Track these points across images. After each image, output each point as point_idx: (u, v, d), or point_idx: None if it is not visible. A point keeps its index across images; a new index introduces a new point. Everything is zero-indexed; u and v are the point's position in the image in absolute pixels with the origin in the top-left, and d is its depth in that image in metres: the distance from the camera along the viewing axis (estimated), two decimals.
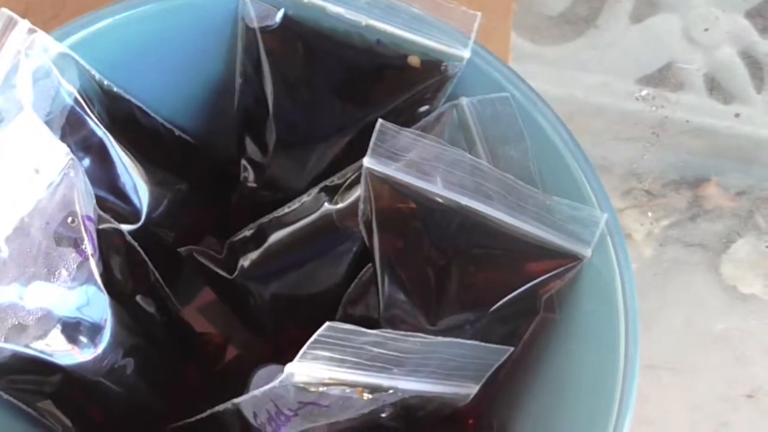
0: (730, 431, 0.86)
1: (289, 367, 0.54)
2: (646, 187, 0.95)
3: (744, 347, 0.90)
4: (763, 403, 0.87)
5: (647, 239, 0.93)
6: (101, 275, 0.59)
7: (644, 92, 0.99)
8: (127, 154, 0.65)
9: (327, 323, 0.53)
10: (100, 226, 0.60)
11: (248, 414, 0.60)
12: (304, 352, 0.53)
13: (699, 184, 0.96)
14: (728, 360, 0.89)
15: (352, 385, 0.57)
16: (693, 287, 0.92)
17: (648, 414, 0.83)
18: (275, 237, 0.67)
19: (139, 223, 0.67)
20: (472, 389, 0.63)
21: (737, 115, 0.99)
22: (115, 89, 0.66)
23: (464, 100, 0.64)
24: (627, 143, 0.97)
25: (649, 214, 0.94)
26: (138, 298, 0.65)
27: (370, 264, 0.65)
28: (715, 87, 1.00)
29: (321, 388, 0.56)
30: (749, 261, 0.93)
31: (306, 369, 0.54)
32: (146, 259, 0.65)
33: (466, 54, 0.63)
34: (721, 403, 0.87)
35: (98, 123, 0.63)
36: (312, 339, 0.53)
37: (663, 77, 1.00)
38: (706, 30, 1.01)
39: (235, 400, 0.60)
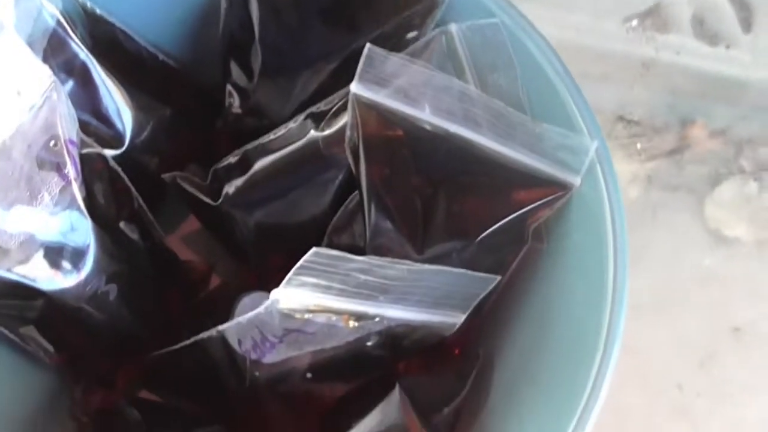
0: (716, 363, 0.87)
1: (275, 293, 0.53)
2: (631, 128, 0.95)
3: (726, 289, 0.90)
4: (749, 336, 0.88)
5: (633, 181, 0.93)
6: (84, 200, 0.58)
7: (631, 32, 0.98)
8: (110, 77, 0.64)
9: (313, 249, 0.52)
10: (83, 151, 0.59)
11: (233, 341, 0.60)
12: (290, 278, 0.53)
13: (685, 125, 0.95)
14: (712, 300, 0.89)
15: (338, 312, 0.57)
16: (677, 229, 0.91)
17: (634, 345, 0.83)
18: (260, 164, 0.66)
19: (123, 149, 0.66)
20: (459, 318, 0.63)
21: (723, 57, 0.98)
22: (98, 11, 0.65)
23: (453, 27, 0.63)
24: (614, 84, 0.96)
25: (635, 155, 0.93)
26: (121, 224, 0.64)
27: (356, 192, 0.64)
28: (702, 27, 0.99)
29: (306, 315, 0.56)
30: (733, 204, 0.93)
31: (291, 295, 0.54)
32: (129, 184, 0.64)
33: None
34: (708, 337, 0.87)
35: (81, 46, 0.62)
36: (298, 264, 0.52)
37: (650, 17, 0.99)
38: None
39: (220, 327, 0.59)
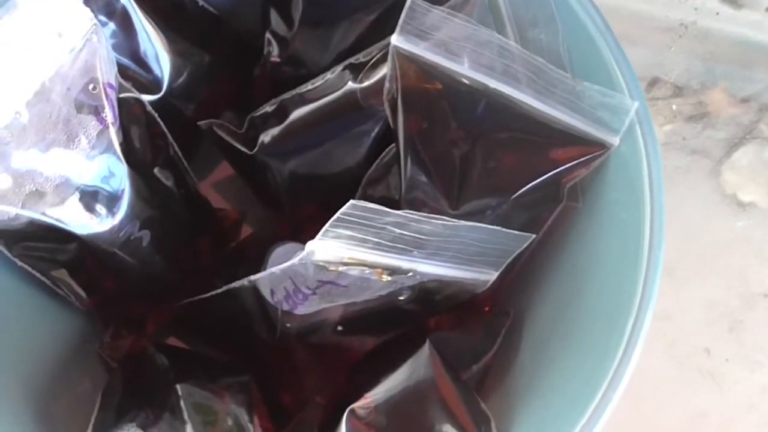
0: (744, 328, 0.86)
1: (310, 245, 0.53)
2: (652, 91, 0.94)
3: (741, 255, 0.89)
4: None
5: None
6: (121, 145, 0.58)
7: None
8: (149, 22, 0.64)
9: (351, 201, 0.52)
10: (121, 95, 0.59)
11: (265, 291, 0.60)
12: (326, 230, 0.53)
13: (704, 90, 0.94)
14: (730, 264, 0.89)
15: (372, 265, 0.56)
16: (694, 194, 0.91)
17: (660, 308, 0.83)
18: (297, 114, 0.66)
19: (160, 94, 0.66)
20: (492, 276, 0.63)
21: (746, 21, 0.97)
22: None
23: None
24: (641, 47, 0.95)
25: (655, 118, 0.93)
26: (156, 170, 0.64)
27: (392, 145, 0.64)
28: None
29: (341, 268, 0.55)
30: (750, 169, 0.92)
31: (327, 247, 0.54)
32: (166, 130, 0.64)
33: None
34: (736, 300, 0.87)
35: None
36: (335, 217, 0.52)
37: None
38: None
39: (252, 277, 0.59)
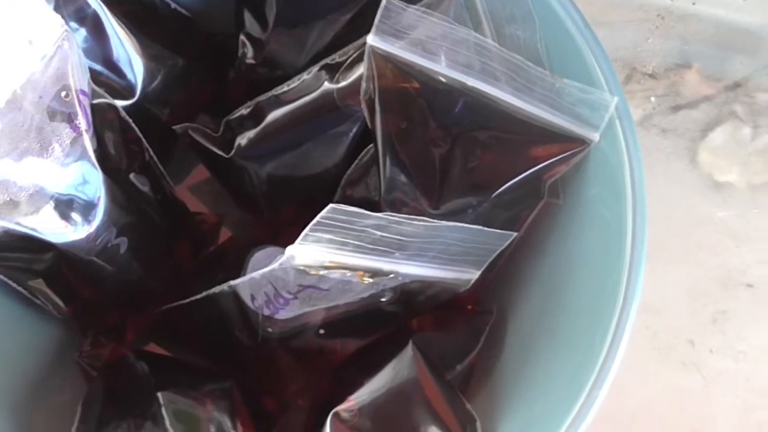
0: (727, 318, 0.87)
1: (290, 249, 0.53)
2: (627, 71, 0.94)
3: (723, 234, 0.90)
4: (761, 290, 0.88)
5: None
6: (95, 152, 0.57)
7: None
8: (121, 26, 0.63)
9: (330, 205, 0.51)
10: (95, 101, 0.58)
11: (245, 296, 0.59)
12: (306, 234, 0.52)
13: (678, 70, 0.94)
14: (709, 246, 0.89)
15: (353, 268, 0.56)
16: (671, 175, 0.91)
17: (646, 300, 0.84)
18: (274, 115, 0.65)
19: (134, 99, 0.66)
20: (474, 275, 0.63)
21: (722, 2, 0.97)
22: None
23: None
24: (618, 30, 0.95)
25: (629, 99, 0.93)
26: (132, 175, 0.64)
27: (370, 145, 0.64)
28: None
29: (321, 271, 0.55)
30: (726, 149, 0.92)
31: (307, 251, 0.53)
32: (140, 135, 0.63)
33: None
34: (718, 290, 0.87)
35: None
36: (314, 221, 0.51)
37: None
38: None
39: (232, 283, 0.59)
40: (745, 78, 0.95)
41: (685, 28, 0.96)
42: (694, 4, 0.97)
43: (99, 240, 0.60)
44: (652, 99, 0.93)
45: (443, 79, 0.59)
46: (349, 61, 0.63)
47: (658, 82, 0.94)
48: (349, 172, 0.66)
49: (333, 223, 0.52)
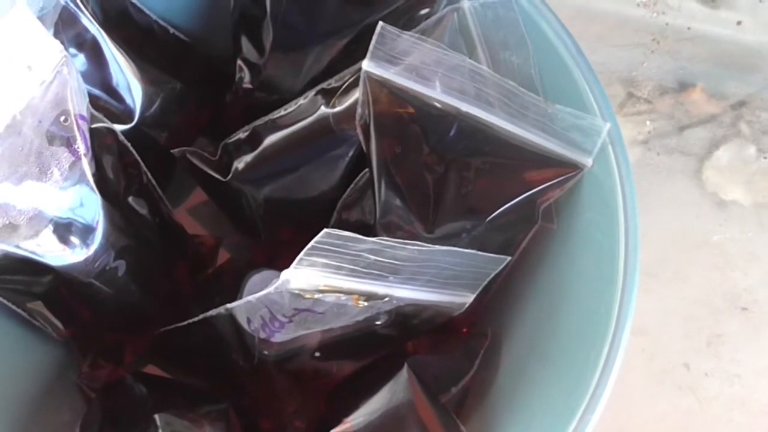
0: (722, 342, 0.87)
1: (285, 274, 0.53)
2: (632, 90, 0.94)
3: (725, 254, 0.90)
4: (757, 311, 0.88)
5: (632, 144, 0.92)
6: (94, 175, 0.58)
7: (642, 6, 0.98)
8: (120, 52, 0.64)
9: (324, 230, 0.52)
10: (93, 126, 0.59)
11: (242, 319, 0.60)
12: (301, 259, 0.52)
13: (684, 89, 0.95)
14: (710, 266, 0.89)
15: (348, 292, 0.56)
16: (676, 194, 0.91)
17: (642, 323, 0.84)
18: (271, 139, 0.66)
19: (133, 123, 0.66)
20: (468, 298, 0.63)
21: (723, 21, 0.98)
22: None
23: (465, 3, 0.63)
24: (620, 48, 0.96)
25: (634, 118, 0.93)
26: (130, 199, 0.64)
27: (366, 169, 0.64)
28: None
29: (316, 295, 0.55)
30: (731, 168, 0.93)
31: (302, 275, 0.54)
32: (139, 159, 0.64)
33: None
34: (713, 313, 0.88)
35: (92, 20, 0.62)
36: (309, 245, 0.52)
37: None
38: None
39: (229, 306, 0.59)
40: (750, 96, 0.95)
41: (682, 50, 0.96)
42: (689, 28, 0.97)
43: (98, 263, 0.60)
44: (648, 122, 0.93)
45: (438, 105, 0.59)
46: (344, 86, 0.63)
47: (657, 103, 0.94)
48: (344, 195, 0.67)
49: (327, 247, 0.53)
